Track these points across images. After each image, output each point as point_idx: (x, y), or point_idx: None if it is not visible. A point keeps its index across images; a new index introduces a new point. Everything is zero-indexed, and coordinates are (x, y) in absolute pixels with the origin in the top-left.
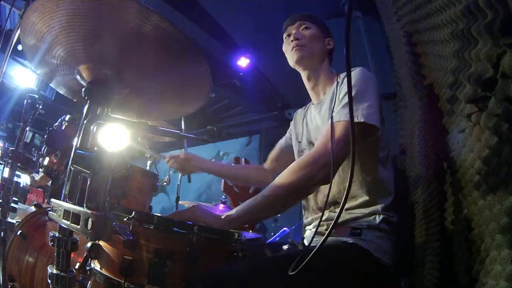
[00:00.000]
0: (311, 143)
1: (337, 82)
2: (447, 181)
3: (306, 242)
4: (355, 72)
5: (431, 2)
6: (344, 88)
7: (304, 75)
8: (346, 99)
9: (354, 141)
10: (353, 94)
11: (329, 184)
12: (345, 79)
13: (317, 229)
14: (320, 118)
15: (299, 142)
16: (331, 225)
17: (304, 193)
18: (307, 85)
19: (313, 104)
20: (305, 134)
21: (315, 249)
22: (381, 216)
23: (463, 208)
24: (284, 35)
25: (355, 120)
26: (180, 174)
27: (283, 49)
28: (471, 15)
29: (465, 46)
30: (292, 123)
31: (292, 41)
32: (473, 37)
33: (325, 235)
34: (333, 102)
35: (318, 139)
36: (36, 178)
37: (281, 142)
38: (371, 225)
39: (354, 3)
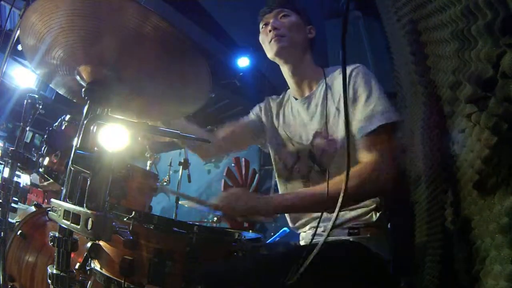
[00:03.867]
0: (290, 140)
1: (344, 82)
2: (447, 181)
3: (303, 244)
4: (356, 73)
5: (431, 2)
6: (357, 97)
7: (285, 68)
8: (367, 110)
9: (349, 145)
10: (364, 99)
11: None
12: (348, 80)
13: (316, 229)
14: (307, 114)
15: (275, 133)
16: (328, 227)
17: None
18: (290, 80)
19: (295, 98)
20: (283, 127)
21: (317, 248)
22: (378, 214)
23: (463, 208)
24: (261, 25)
25: (385, 122)
26: (180, 174)
27: (260, 39)
28: (471, 15)
29: (465, 46)
30: (263, 108)
31: (270, 31)
32: (473, 37)
33: (324, 236)
34: (336, 102)
35: (361, 155)
36: (44, 183)
37: (244, 122)
38: (369, 223)
39: (353, 3)
